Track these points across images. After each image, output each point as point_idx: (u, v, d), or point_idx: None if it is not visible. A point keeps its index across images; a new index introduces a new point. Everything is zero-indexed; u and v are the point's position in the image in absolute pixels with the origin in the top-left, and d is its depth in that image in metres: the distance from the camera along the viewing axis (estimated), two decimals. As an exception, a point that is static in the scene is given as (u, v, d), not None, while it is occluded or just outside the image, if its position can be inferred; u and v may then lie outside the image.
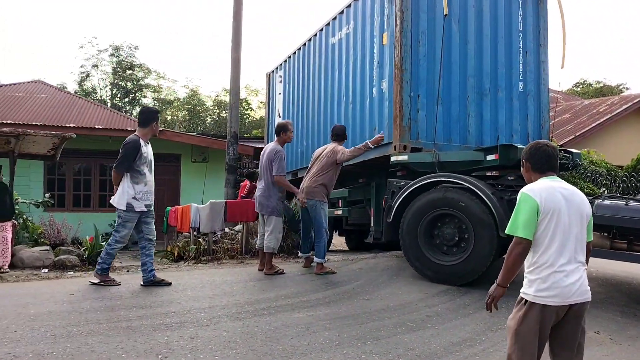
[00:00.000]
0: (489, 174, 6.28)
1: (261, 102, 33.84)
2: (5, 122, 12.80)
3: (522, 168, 3.08)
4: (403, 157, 6.68)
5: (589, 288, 2.78)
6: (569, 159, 6.70)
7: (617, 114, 15.84)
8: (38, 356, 3.51)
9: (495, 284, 2.84)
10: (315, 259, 6.46)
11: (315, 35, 9.88)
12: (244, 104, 31.81)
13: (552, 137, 8.87)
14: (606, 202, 5.58)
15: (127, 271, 7.33)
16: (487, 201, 5.80)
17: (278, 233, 6.46)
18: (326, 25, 9.41)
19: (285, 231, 8.37)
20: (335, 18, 9.05)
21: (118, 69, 30.44)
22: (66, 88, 27.08)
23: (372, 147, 6.58)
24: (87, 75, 30.61)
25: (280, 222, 6.61)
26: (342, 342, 4.10)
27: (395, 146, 6.78)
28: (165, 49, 55.19)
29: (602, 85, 34.27)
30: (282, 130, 6.63)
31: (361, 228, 8.59)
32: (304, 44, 10.39)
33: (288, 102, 11.36)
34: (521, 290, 2.83)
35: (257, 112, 34.09)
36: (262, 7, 62.81)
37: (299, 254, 7.08)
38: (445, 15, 6.94)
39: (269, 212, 6.41)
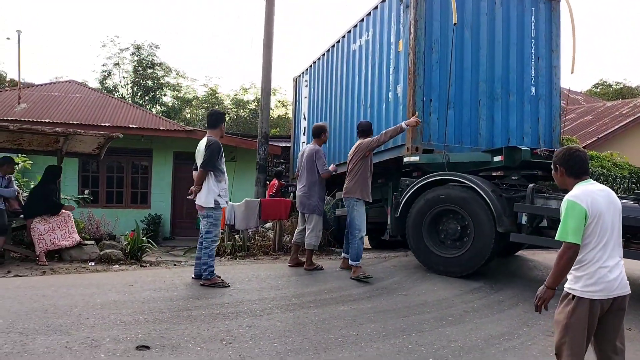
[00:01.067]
0: (494, 174, 6.67)
1: (279, 101, 34.22)
2: (43, 120, 13.27)
3: (554, 172, 3.27)
4: (415, 158, 7.12)
5: (627, 282, 3.00)
6: None
7: (640, 117, 15.88)
8: (114, 340, 3.85)
9: (544, 287, 3.05)
10: (350, 262, 6.43)
11: (339, 41, 10.31)
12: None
13: (563, 139, 9.12)
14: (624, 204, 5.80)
15: (174, 265, 7.65)
16: (487, 198, 6.20)
17: (319, 231, 6.77)
18: (348, 32, 9.84)
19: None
20: (356, 25, 9.47)
21: (139, 68, 30.92)
22: (88, 86, 27.62)
23: (406, 127, 6.64)
24: (109, 74, 31.16)
25: (321, 221, 6.91)
26: (388, 334, 4.39)
27: (407, 148, 7.19)
28: (185, 49, 55.83)
29: (622, 86, 34.05)
30: (321, 131, 6.99)
31: (380, 227, 8.92)
32: (328, 50, 10.85)
33: (313, 105, 11.83)
34: (566, 285, 3.05)
35: (276, 111, 34.40)
36: (287, 9, 63.37)
37: (342, 255, 7.00)
38: (455, 24, 7.22)
39: (311, 211, 6.72)
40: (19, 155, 9.55)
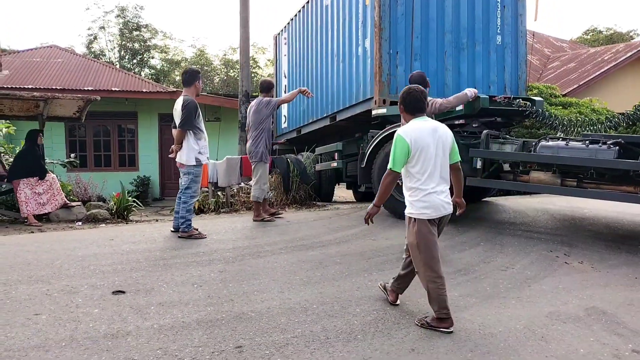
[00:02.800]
0: (457, 122, 6.91)
1: (268, 60, 33.92)
2: (26, 86, 13.33)
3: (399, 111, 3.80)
4: (382, 111, 7.36)
5: (451, 203, 3.63)
6: (528, 107, 7.07)
7: (622, 62, 15.98)
8: (92, 287, 4.14)
9: (372, 204, 3.72)
10: None
11: None
12: (251, 62, 31.98)
13: (529, 85, 9.27)
14: (549, 142, 6.09)
15: (156, 220, 7.93)
16: None
17: (263, 184, 7.04)
18: None
19: (298, 183, 8.99)
20: None
21: (125, 31, 30.54)
22: (74, 51, 27.41)
23: (472, 95, 6.29)
24: (95, 38, 30.80)
25: (266, 171, 7.14)
26: (350, 274, 4.70)
27: (375, 100, 7.40)
28: (170, 9, 54.78)
29: (612, 32, 33.87)
30: (272, 87, 7.30)
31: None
32: (304, 6, 10.90)
33: (292, 63, 11.96)
34: (405, 212, 3.64)
35: (265, 70, 34.19)
36: (266, -38, 61.74)
37: None
38: None
39: (257, 158, 6.95)
40: (3, 122, 9.72)
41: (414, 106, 3.67)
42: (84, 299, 3.86)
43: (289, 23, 11.98)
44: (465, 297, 4.14)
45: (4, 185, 8.16)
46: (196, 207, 9.72)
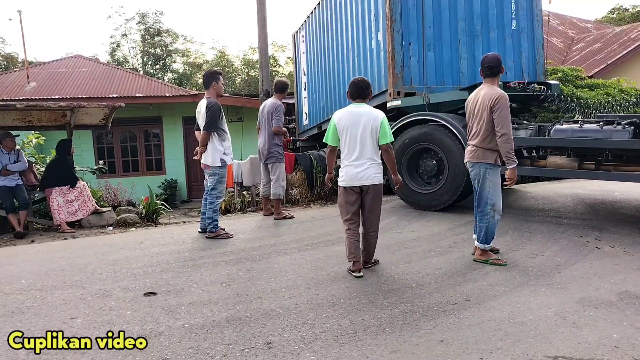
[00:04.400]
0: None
1: (288, 58, 34.01)
2: (53, 97, 13.65)
3: None
4: (397, 102, 7.40)
5: (372, 175, 4.36)
6: (544, 91, 6.99)
7: (649, 40, 15.56)
8: (125, 290, 4.24)
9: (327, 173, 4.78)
10: (477, 243, 4.85)
11: None
12: (271, 60, 32.09)
13: (548, 67, 9.08)
14: (563, 126, 6.00)
15: (184, 222, 8.05)
16: (457, 133, 6.56)
17: (282, 180, 7.12)
18: None
19: (322, 179, 9.03)
20: None
21: (146, 37, 30.99)
22: (99, 60, 27.92)
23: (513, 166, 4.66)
24: (118, 45, 31.34)
25: (283, 169, 7.20)
26: (377, 267, 4.70)
27: (390, 92, 7.42)
28: (189, 13, 55.33)
29: (639, 9, 32.90)
30: (286, 87, 7.32)
31: None
32: (318, 3, 10.93)
33: (311, 60, 12.00)
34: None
35: (285, 68, 34.27)
36: (282, -40, 61.81)
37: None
38: None
39: (273, 160, 7.04)
40: (33, 132, 9.98)
41: (354, 93, 4.49)
42: (117, 301, 3.95)
43: (305, 21, 12.04)
44: (494, 287, 4.10)
45: (36, 194, 8.38)
46: (223, 208, 9.84)
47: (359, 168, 4.35)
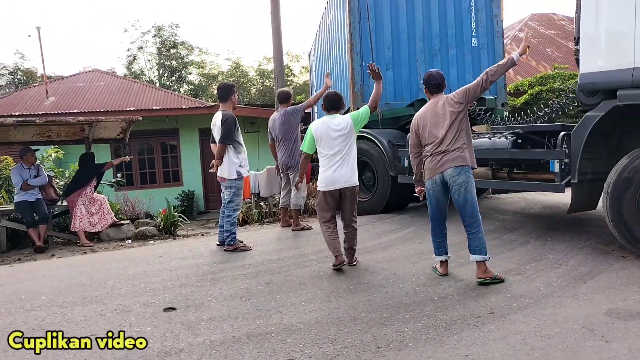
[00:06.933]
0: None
1: (302, 67, 34.12)
2: (71, 111, 13.83)
3: None
4: None
5: (349, 178, 4.83)
6: (474, 106, 7.28)
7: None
8: (144, 305, 4.22)
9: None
10: (474, 257, 4.48)
11: (321, 17, 11.28)
12: (285, 70, 32.23)
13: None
14: (475, 140, 6.36)
15: (202, 235, 8.06)
16: (381, 147, 7.62)
17: (303, 191, 7.13)
18: (324, 7, 10.73)
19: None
20: (327, 2, 10.38)
21: (162, 49, 31.29)
22: (115, 73, 28.28)
23: (517, 57, 4.53)
24: (134, 58, 31.67)
25: (305, 180, 7.16)
26: (397, 279, 4.64)
27: (350, 108, 8.03)
28: (204, 24, 55.90)
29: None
30: (289, 96, 7.37)
31: None
32: (319, 24, 11.73)
33: (317, 77, 12.66)
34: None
35: (300, 77, 34.38)
36: (294, -30, 62.25)
37: (435, 257, 4.83)
38: None
39: (297, 170, 6.92)
40: (52, 147, 10.11)
41: (327, 105, 5.05)
42: (137, 317, 3.94)
43: (313, 41, 12.78)
44: (518, 298, 4.01)
45: (55, 209, 8.45)
46: (240, 219, 9.84)
47: (336, 172, 4.82)
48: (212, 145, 6.26)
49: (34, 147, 8.20)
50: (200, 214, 15.03)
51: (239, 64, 34.36)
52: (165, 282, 4.85)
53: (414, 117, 4.70)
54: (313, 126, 4.99)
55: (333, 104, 5.04)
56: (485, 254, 4.43)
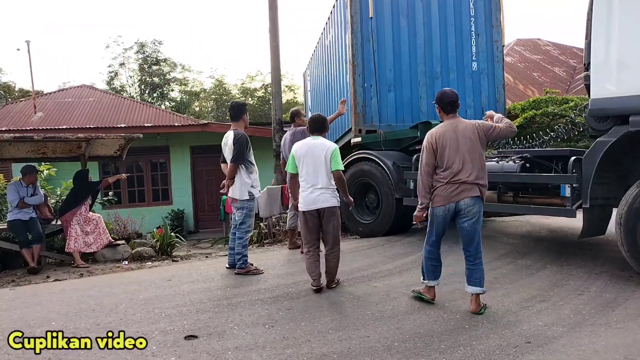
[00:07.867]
0: (418, 147, 7.15)
1: (286, 86, 34.01)
2: (60, 127, 13.51)
3: None
4: (357, 139, 8.21)
5: (328, 199, 4.88)
6: None
7: None
8: (163, 333, 4.02)
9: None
10: (473, 289, 4.35)
11: (319, 37, 11.31)
12: (269, 89, 32.17)
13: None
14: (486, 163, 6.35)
15: (206, 257, 7.85)
16: (386, 170, 7.52)
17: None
18: (323, 28, 10.80)
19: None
20: (326, 22, 10.44)
21: (144, 66, 30.92)
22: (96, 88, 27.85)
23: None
24: (116, 74, 31.24)
25: None
26: (422, 306, 4.53)
27: (352, 130, 8.15)
28: (187, 42, 55.77)
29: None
30: (296, 116, 7.32)
31: None
32: (316, 45, 11.78)
33: (313, 97, 12.83)
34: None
35: (283, 96, 34.29)
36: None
37: (424, 281, 4.66)
38: (371, 17, 8.05)
39: None
40: (43, 163, 9.80)
41: (312, 127, 5.14)
42: (158, 346, 3.75)
43: (310, 60, 12.65)
44: (551, 327, 3.94)
45: (47, 228, 8.15)
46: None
47: (314, 193, 4.87)
48: (222, 165, 6.11)
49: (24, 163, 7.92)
50: (190, 233, 14.73)
51: (221, 82, 34.20)
52: (180, 307, 4.65)
53: (430, 135, 4.43)
54: (295, 146, 5.09)
55: (317, 126, 5.12)
56: (483, 286, 4.36)
